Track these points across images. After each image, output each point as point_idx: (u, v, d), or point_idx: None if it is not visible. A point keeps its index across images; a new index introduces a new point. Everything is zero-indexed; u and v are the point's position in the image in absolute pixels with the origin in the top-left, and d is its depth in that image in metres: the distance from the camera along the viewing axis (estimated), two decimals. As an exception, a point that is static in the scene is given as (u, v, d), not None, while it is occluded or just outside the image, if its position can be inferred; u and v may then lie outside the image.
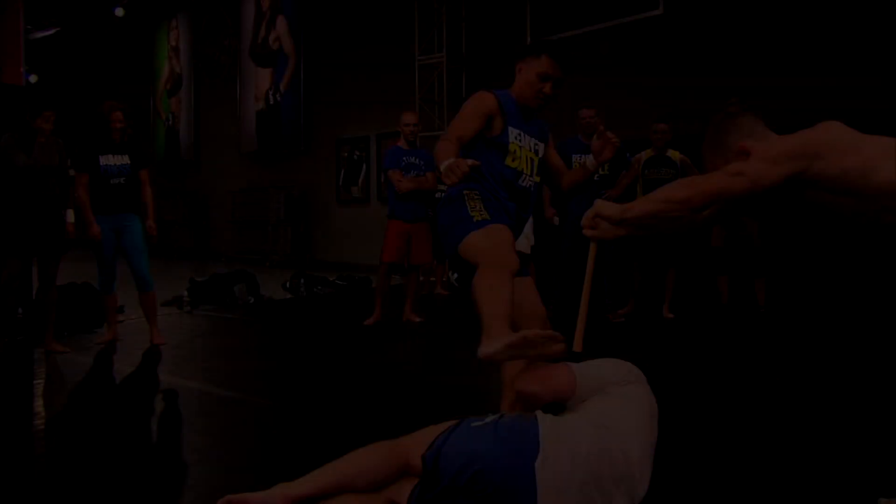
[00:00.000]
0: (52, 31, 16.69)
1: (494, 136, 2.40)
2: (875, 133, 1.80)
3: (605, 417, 1.84)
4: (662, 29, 7.28)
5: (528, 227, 6.05)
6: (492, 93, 2.46)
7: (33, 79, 13.60)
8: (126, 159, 4.68)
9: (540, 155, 2.59)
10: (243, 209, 12.64)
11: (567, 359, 2.15)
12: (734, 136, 1.94)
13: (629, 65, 7.57)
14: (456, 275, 7.68)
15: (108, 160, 4.60)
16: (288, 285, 7.80)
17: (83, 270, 7.11)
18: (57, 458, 2.52)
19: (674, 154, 5.56)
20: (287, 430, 2.88)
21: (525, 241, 6.05)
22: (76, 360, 4.22)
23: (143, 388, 3.71)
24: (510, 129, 2.45)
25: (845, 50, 6.03)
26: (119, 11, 15.76)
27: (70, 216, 4.43)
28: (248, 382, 3.71)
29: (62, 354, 4.34)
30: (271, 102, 12.28)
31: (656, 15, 7.31)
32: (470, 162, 2.11)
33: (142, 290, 4.72)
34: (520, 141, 2.48)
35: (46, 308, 4.45)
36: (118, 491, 2.25)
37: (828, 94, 6.02)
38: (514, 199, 2.48)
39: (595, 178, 5.38)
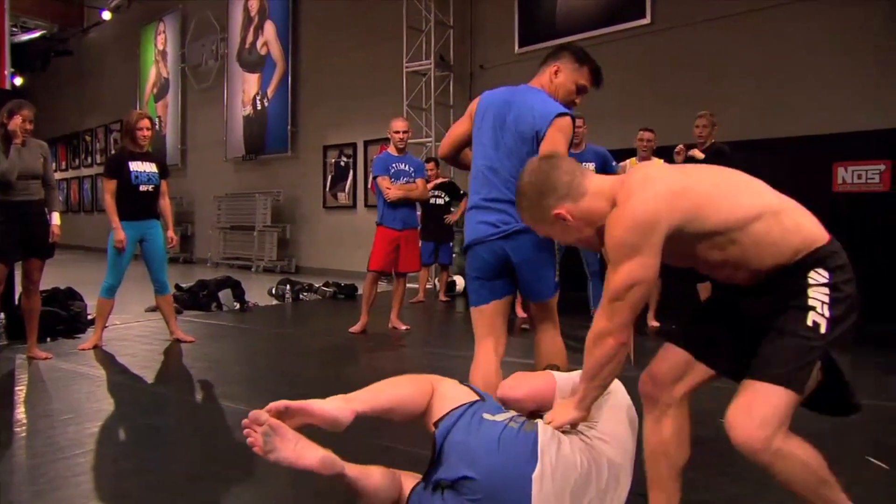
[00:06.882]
0: (37, 34, 16.57)
1: None
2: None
3: (591, 428, 1.87)
4: (650, 37, 7.36)
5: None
6: None
7: (19, 81, 13.46)
8: (154, 167, 4.79)
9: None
10: (229, 214, 12.58)
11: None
12: (551, 198, 1.77)
13: (616, 74, 7.61)
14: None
15: (137, 167, 4.69)
16: (274, 291, 7.78)
17: (66, 275, 7.04)
18: (38, 467, 2.49)
19: (658, 162, 5.57)
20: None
21: None
22: (59, 366, 4.17)
23: (127, 395, 3.67)
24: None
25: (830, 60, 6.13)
26: (106, 15, 15.70)
27: (55, 219, 4.38)
28: (233, 389, 3.68)
29: (45, 361, 4.29)
30: (258, 108, 12.26)
31: (644, 24, 7.39)
32: None
33: (161, 292, 4.92)
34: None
35: (29, 314, 4.39)
36: (99, 499, 2.23)
37: (814, 100, 6.11)
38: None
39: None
